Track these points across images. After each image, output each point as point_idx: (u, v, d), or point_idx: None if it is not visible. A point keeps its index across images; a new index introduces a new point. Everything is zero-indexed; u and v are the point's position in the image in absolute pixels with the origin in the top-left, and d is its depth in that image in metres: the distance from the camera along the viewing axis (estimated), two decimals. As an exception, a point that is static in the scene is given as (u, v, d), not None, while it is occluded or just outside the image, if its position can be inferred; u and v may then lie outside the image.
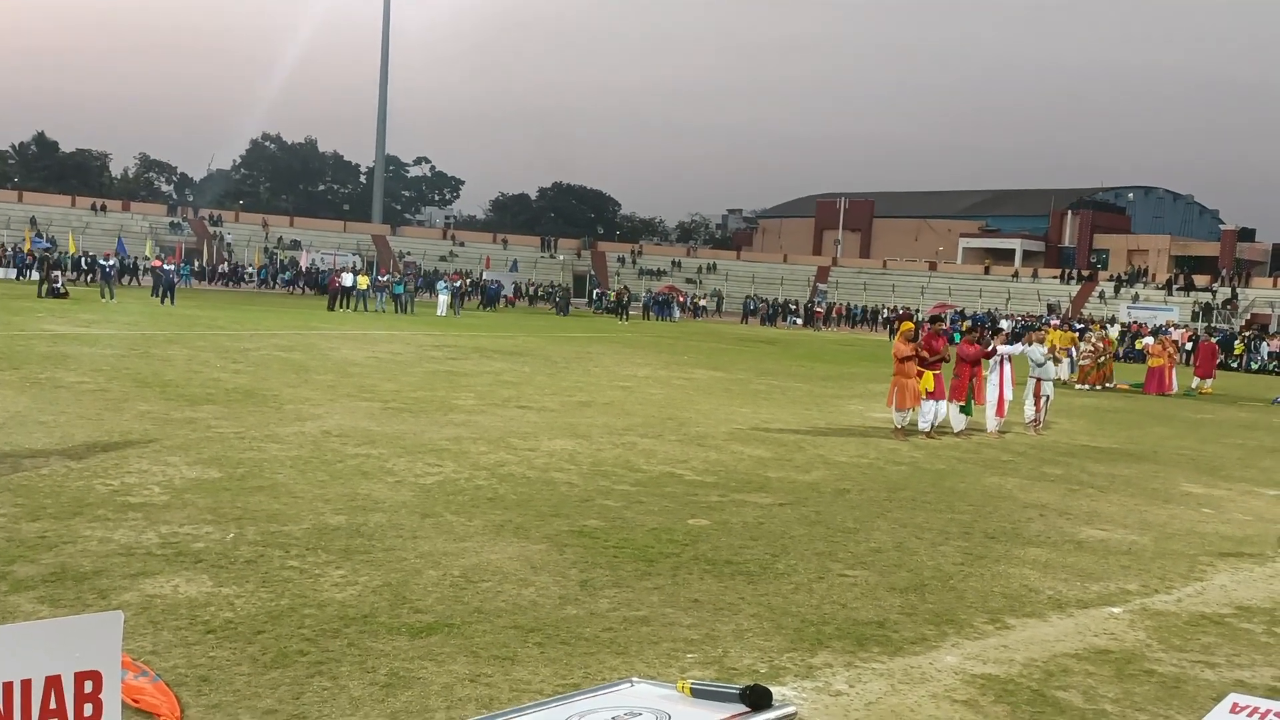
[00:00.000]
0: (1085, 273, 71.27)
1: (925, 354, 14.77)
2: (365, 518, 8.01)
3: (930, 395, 14.83)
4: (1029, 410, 16.44)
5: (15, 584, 5.98)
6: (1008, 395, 16.10)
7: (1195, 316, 58.86)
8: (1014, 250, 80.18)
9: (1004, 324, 48.64)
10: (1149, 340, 32.21)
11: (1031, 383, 16.57)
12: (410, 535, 7.59)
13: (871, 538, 8.48)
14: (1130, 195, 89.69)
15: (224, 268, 61.52)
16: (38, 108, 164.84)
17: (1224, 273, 66.70)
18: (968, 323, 14.72)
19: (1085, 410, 20.64)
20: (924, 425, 14.86)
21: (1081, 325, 36.98)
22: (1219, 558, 8.64)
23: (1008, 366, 16.13)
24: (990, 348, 16.09)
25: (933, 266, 76.73)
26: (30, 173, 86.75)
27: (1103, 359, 27.16)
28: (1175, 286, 65.25)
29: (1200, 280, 65.54)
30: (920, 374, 14.70)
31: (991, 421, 15.89)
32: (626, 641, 5.70)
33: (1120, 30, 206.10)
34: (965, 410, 15.39)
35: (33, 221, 61.48)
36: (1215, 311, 59.97)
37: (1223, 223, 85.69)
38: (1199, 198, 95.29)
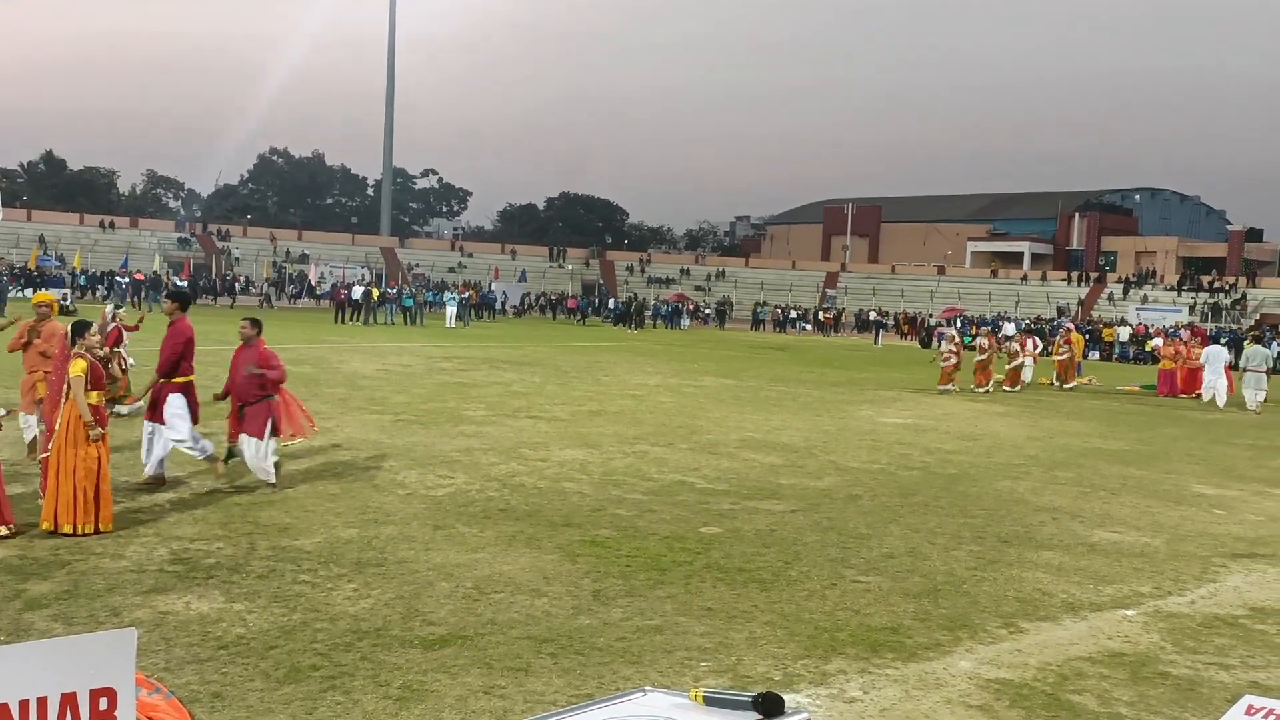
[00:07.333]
0: (1094, 275, 71.09)
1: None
2: (377, 530, 8.02)
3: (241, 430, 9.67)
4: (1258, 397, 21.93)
5: (29, 602, 6.00)
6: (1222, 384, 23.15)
7: (1204, 317, 58.62)
8: (1022, 253, 79.99)
9: (1009, 327, 48.55)
10: (1158, 342, 32.09)
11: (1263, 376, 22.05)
12: (422, 547, 7.60)
13: (884, 543, 8.46)
14: (1137, 197, 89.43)
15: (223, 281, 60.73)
16: (45, 126, 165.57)
17: (1235, 278, 66.41)
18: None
19: (1096, 412, 20.58)
20: (263, 473, 9.48)
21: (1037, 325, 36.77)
22: (1232, 559, 8.61)
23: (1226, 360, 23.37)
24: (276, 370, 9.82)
25: (941, 271, 76.59)
26: (39, 191, 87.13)
27: (1063, 355, 26.77)
28: (1184, 287, 65.02)
29: (1209, 281, 65.29)
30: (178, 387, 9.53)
31: (1223, 397, 23.06)
32: (640, 651, 5.69)
33: (1125, 32, 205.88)
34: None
35: (41, 240, 61.75)
36: (1225, 312, 59.75)
37: (1230, 223, 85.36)
38: (1205, 199, 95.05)
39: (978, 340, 26.50)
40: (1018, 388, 24.69)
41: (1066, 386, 26.22)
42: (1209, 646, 6.28)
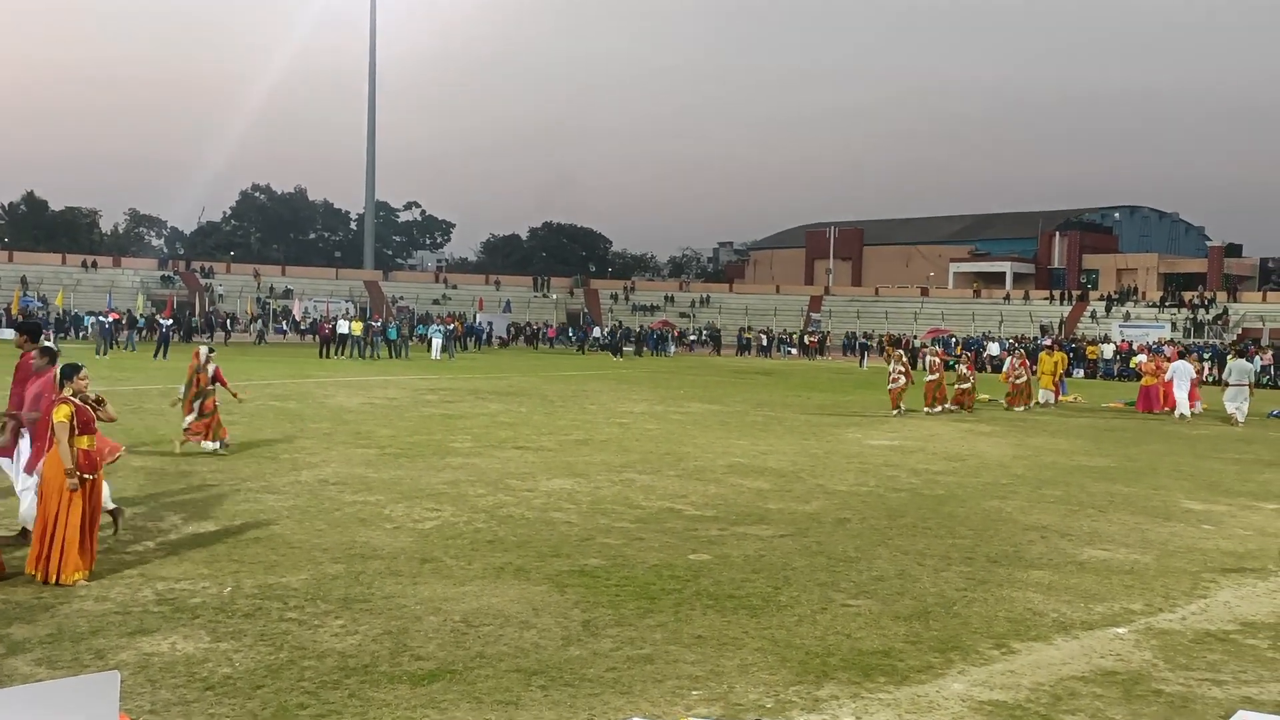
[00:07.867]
0: (1076, 293, 71.60)
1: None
2: (364, 565, 7.97)
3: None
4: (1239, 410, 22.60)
5: (12, 646, 5.93)
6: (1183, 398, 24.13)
7: (1187, 333, 59.03)
8: (1004, 273, 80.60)
9: (993, 346, 48.75)
10: (1142, 358, 32.20)
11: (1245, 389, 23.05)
12: (410, 581, 7.55)
13: (874, 566, 8.44)
14: (1116, 215, 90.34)
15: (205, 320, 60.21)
16: (27, 167, 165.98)
17: (1213, 291, 66.92)
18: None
19: (1081, 429, 20.64)
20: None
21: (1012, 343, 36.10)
22: (1222, 574, 8.62)
23: (1191, 376, 24.74)
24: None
25: (924, 292, 76.97)
26: (20, 232, 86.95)
27: (1019, 378, 25.78)
28: (1166, 304, 65.52)
29: (1190, 297, 65.81)
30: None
31: (1186, 410, 23.95)
32: (630, 681, 5.66)
33: (1101, 51, 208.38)
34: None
35: (23, 281, 61.52)
36: (1207, 327, 60.17)
37: (1209, 239, 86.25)
38: (1184, 215, 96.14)
39: (928, 360, 25.55)
40: (963, 407, 24.16)
41: (1015, 409, 24.86)
42: (1201, 663, 6.28)
